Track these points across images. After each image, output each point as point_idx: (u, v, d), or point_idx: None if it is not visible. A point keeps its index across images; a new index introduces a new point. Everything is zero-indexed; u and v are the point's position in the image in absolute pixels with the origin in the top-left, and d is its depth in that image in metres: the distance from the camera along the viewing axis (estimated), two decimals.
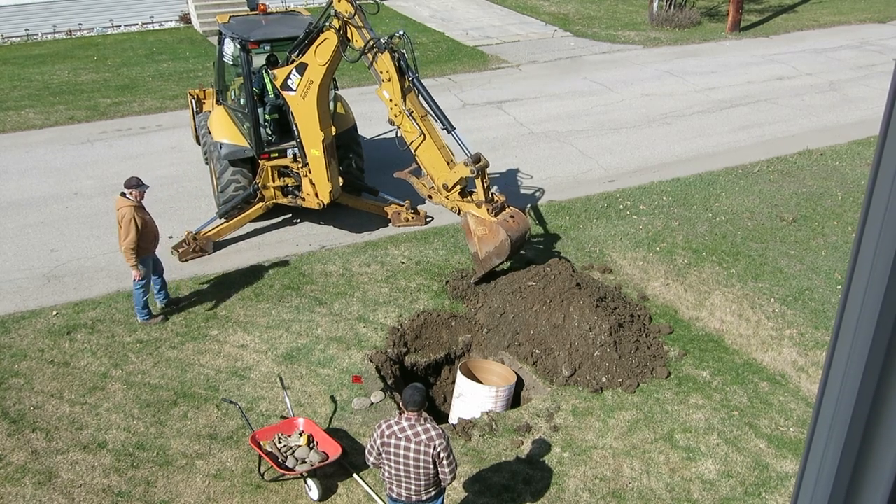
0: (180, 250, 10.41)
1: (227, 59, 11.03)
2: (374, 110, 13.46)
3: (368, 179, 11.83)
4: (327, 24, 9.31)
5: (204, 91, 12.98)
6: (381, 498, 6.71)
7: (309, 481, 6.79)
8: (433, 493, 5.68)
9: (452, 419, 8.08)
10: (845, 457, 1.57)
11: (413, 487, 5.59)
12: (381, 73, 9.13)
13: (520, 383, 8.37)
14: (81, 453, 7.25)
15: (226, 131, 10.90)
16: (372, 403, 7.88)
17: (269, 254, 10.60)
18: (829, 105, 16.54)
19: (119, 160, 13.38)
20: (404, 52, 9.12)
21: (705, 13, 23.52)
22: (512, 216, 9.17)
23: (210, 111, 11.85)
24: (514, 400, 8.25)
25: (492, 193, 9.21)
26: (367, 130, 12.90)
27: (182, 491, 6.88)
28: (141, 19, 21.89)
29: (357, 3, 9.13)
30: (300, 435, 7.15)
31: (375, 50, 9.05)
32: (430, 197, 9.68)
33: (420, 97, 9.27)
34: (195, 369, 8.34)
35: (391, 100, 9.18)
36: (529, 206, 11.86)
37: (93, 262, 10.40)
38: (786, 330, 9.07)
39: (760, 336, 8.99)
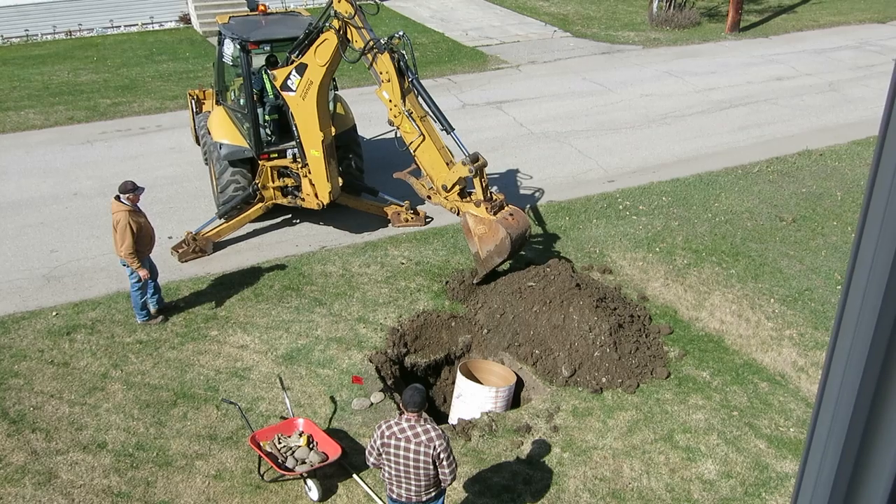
0: (180, 251, 10.41)
1: (227, 59, 11.03)
2: (374, 111, 13.46)
3: (368, 180, 11.82)
4: (327, 24, 9.31)
5: (203, 91, 12.97)
6: (380, 498, 6.71)
7: (309, 482, 6.79)
8: (433, 493, 5.68)
9: (452, 420, 8.08)
10: (845, 457, 1.57)
11: (413, 488, 5.59)
12: (381, 73, 9.13)
13: (520, 384, 8.36)
14: (81, 454, 7.24)
15: (225, 132, 10.90)
16: (372, 404, 7.88)
17: (269, 254, 10.60)
18: (829, 105, 16.55)
19: (119, 161, 13.37)
20: (404, 52, 9.13)
21: (705, 14, 23.52)
22: (511, 214, 9.17)
23: (210, 112, 11.85)
24: (514, 400, 8.24)
25: (490, 192, 9.22)
26: (366, 131, 12.90)
27: (182, 491, 6.88)
28: (141, 20, 21.89)
29: (357, 3, 9.13)
30: (300, 435, 7.15)
31: (375, 50, 9.05)
32: (429, 197, 9.68)
33: (419, 98, 9.28)
34: (195, 370, 8.34)
35: (391, 100, 9.19)
36: (529, 206, 11.86)
37: (92, 262, 10.40)
38: (785, 330, 9.07)
39: (760, 336, 8.99)
